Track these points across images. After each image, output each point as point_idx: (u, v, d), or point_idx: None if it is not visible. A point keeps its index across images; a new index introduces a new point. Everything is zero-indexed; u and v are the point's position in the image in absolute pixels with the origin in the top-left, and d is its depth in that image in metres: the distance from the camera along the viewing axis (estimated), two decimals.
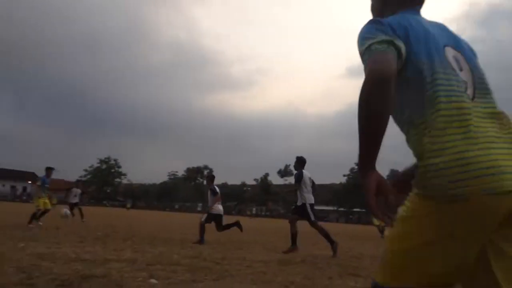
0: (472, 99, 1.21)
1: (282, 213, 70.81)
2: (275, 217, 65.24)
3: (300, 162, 8.14)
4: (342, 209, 70.87)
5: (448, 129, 1.13)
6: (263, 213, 63.74)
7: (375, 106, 1.13)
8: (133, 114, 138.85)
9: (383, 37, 1.22)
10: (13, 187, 73.66)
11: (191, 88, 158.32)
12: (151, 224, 15.55)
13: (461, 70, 1.27)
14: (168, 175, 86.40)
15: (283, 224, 28.97)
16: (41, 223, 10.78)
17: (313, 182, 8.01)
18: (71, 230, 9.77)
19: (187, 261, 5.45)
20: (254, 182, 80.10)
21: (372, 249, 9.52)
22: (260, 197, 76.10)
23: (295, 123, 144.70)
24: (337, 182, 72.18)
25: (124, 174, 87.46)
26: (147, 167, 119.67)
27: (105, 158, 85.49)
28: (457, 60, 1.29)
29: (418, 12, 1.45)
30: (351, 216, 65.42)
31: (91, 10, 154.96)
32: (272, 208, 74.28)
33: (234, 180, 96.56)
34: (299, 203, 7.76)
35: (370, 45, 1.22)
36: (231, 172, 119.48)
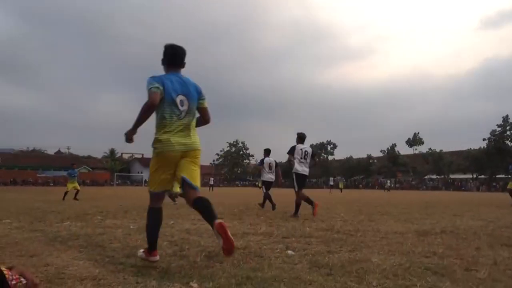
0: (183, 118, 3.46)
1: (414, 184, 66.91)
2: (405, 188, 62.05)
3: (299, 137, 9.30)
4: (482, 176, 63.86)
5: (164, 128, 3.39)
6: (392, 185, 61.00)
7: (146, 114, 3.29)
8: (255, 97, 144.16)
9: (155, 84, 3.30)
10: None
11: (311, 65, 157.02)
12: (281, 201, 16.10)
13: (182, 105, 3.44)
14: None
15: (415, 195, 27.41)
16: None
17: (312, 155, 9.14)
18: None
19: (320, 234, 5.53)
20: (380, 154, 77.01)
21: None
22: (388, 168, 72.93)
23: (423, 88, 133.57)
24: (476, 147, 64.97)
25: (252, 155, 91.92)
26: (273, 146, 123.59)
27: (234, 141, 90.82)
28: (181, 101, 3.44)
29: (177, 73, 3.56)
30: (494, 184, 58.57)
31: (206, 2, 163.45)
32: (402, 179, 70.77)
33: (360, 153, 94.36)
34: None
35: (150, 88, 3.27)
36: (356, 145, 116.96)
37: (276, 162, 11.70)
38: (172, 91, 3.37)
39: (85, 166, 78.43)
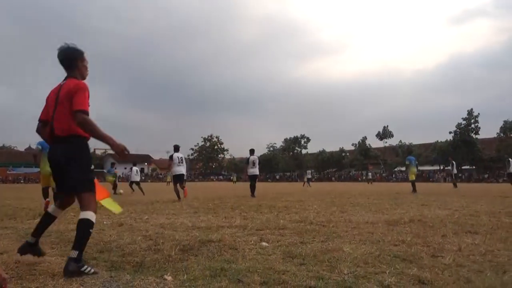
0: None
1: (384, 176, 68.44)
2: (376, 180, 63.39)
3: (175, 148, 13.36)
4: (449, 167, 65.99)
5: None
6: (364, 178, 62.29)
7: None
8: (229, 92, 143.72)
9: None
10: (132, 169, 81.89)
11: (285, 59, 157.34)
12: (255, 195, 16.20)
13: None
14: (267, 147, 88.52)
15: (386, 187, 28.07)
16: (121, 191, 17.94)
17: (183, 159, 13.20)
18: (185, 203, 10.63)
19: (294, 225, 5.62)
20: (352, 147, 78.33)
21: (488, 205, 8.81)
22: (360, 161, 74.28)
23: (392, 82, 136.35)
24: (443, 139, 67.06)
25: (227, 150, 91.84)
26: (247, 141, 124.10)
27: (208, 136, 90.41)
28: None
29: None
30: (460, 175, 60.66)
31: None
32: (373, 171, 72.30)
33: (332, 146, 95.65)
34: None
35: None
36: (329, 138, 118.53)
37: (183, 157, 13.62)
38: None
39: None
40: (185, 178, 13.50)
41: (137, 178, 18.76)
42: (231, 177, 61.24)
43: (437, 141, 68.13)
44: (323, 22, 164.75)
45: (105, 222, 6.19)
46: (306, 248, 3.83)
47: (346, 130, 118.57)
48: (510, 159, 20.76)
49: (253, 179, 14.42)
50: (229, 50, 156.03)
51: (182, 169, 12.97)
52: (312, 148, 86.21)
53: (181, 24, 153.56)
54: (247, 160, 14.75)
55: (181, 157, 13.18)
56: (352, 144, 78.37)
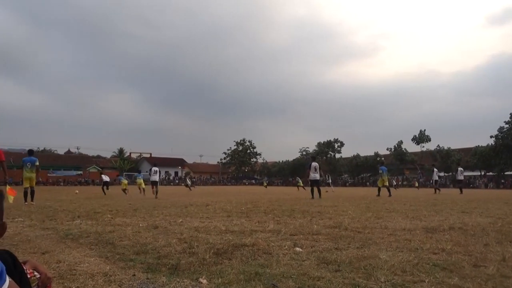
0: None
1: (421, 181, 66.54)
2: (413, 186, 61.71)
3: (154, 164, 18.42)
4: (490, 173, 63.22)
5: None
6: (399, 183, 60.75)
7: None
8: (261, 96, 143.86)
9: None
10: (166, 172, 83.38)
11: (317, 63, 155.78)
12: (288, 199, 16.13)
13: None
14: (300, 152, 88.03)
15: (423, 192, 27.23)
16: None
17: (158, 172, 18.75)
18: (218, 206, 10.72)
19: (328, 231, 5.54)
20: (387, 152, 76.60)
21: None
22: (396, 166, 72.50)
23: (428, 84, 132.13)
24: (483, 144, 64.44)
25: (259, 154, 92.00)
26: (280, 145, 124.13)
27: (241, 140, 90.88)
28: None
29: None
30: (503, 181, 58.03)
31: (210, 2, 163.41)
32: (409, 176, 70.36)
33: (366, 151, 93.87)
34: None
35: None
36: (363, 143, 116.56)
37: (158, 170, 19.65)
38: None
39: (94, 165, 78.96)
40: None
41: (155, 178, 19.59)
42: (263, 182, 61.19)
43: (478, 145, 65.52)
44: (355, 25, 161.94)
45: (140, 225, 6.33)
46: (341, 255, 3.76)
47: (380, 134, 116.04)
48: None
49: (315, 183, 15.83)
50: (261, 55, 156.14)
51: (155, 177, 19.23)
52: (346, 152, 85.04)
53: (212, 29, 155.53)
54: (309, 165, 16.10)
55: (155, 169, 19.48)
56: (387, 149, 76.64)
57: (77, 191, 25.96)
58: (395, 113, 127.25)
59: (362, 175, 78.73)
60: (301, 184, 39.81)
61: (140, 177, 24.47)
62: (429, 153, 72.13)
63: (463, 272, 3.11)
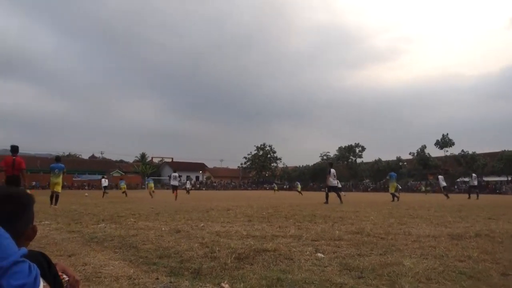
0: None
1: (446, 186, 65.08)
2: (437, 191, 60.40)
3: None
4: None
5: None
6: (423, 188, 59.52)
7: None
8: (281, 101, 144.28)
9: None
10: (188, 177, 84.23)
11: (337, 67, 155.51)
12: (309, 204, 16.04)
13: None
14: (320, 156, 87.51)
15: (430, 198, 26.64)
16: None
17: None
18: (239, 211, 10.74)
19: (350, 236, 5.49)
20: (410, 156, 75.24)
21: None
22: (419, 171, 71.12)
23: (452, 87, 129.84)
24: (510, 148, 62.55)
25: (279, 159, 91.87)
26: (300, 150, 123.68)
27: (261, 145, 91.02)
28: None
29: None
30: None
31: (232, 10, 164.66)
32: (433, 182, 68.90)
33: (388, 155, 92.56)
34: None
35: None
36: (385, 147, 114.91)
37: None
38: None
39: (117, 170, 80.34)
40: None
41: (175, 183, 21.29)
42: (273, 186, 60.70)
43: (504, 150, 63.69)
44: (376, 28, 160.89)
45: (163, 229, 6.40)
46: (364, 261, 3.72)
47: (402, 138, 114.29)
48: None
49: (332, 189, 16.51)
50: (282, 60, 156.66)
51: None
52: (368, 157, 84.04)
53: (234, 36, 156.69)
54: (329, 171, 16.64)
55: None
56: (410, 153, 75.31)
57: (87, 194, 28.43)
58: (418, 117, 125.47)
59: (383, 180, 77.55)
60: (299, 189, 40.70)
61: (150, 181, 27.86)
62: (453, 157, 70.53)
63: (491, 280, 3.03)
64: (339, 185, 35.88)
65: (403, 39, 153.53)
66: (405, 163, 76.11)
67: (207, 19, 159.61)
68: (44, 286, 0.79)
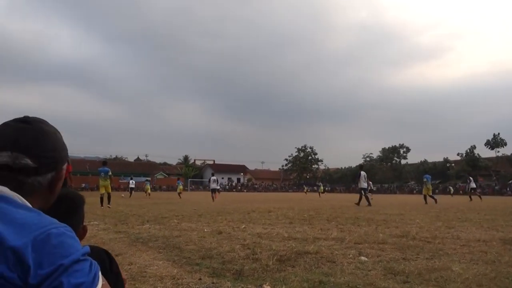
0: None
1: (497, 189, 61.85)
2: (487, 193, 57.59)
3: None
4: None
5: None
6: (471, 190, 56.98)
7: None
8: (323, 102, 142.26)
9: None
10: (229, 179, 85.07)
11: (381, 66, 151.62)
12: (351, 206, 15.76)
13: None
14: (363, 157, 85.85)
15: (498, 201, 25.31)
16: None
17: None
18: (280, 213, 10.73)
19: (394, 240, 5.34)
20: (458, 157, 72.16)
21: None
22: (467, 172, 68.05)
23: (503, 85, 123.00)
24: None
25: (321, 160, 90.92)
26: (342, 151, 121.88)
27: (302, 146, 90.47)
28: None
29: None
30: None
31: (271, 10, 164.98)
32: (483, 184, 65.76)
33: (434, 156, 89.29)
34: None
35: None
36: (431, 148, 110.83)
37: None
38: None
39: (161, 172, 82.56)
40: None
41: (214, 186, 22.07)
42: (319, 187, 60.07)
43: None
44: (420, 25, 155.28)
45: (205, 230, 6.50)
46: (410, 265, 3.61)
47: (450, 138, 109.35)
48: None
49: (364, 191, 16.78)
50: (323, 60, 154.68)
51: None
52: (413, 158, 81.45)
53: (274, 37, 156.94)
54: (359, 175, 17.23)
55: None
56: (458, 154, 72.23)
57: (123, 195, 29.83)
58: (466, 116, 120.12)
59: (431, 183, 74.95)
60: (322, 190, 40.25)
61: (180, 184, 30.41)
62: (505, 158, 67.01)
63: None
64: (373, 188, 35.36)
65: (450, 35, 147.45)
66: (453, 164, 73.12)
67: (246, 21, 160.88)
68: (103, 285, 0.82)
